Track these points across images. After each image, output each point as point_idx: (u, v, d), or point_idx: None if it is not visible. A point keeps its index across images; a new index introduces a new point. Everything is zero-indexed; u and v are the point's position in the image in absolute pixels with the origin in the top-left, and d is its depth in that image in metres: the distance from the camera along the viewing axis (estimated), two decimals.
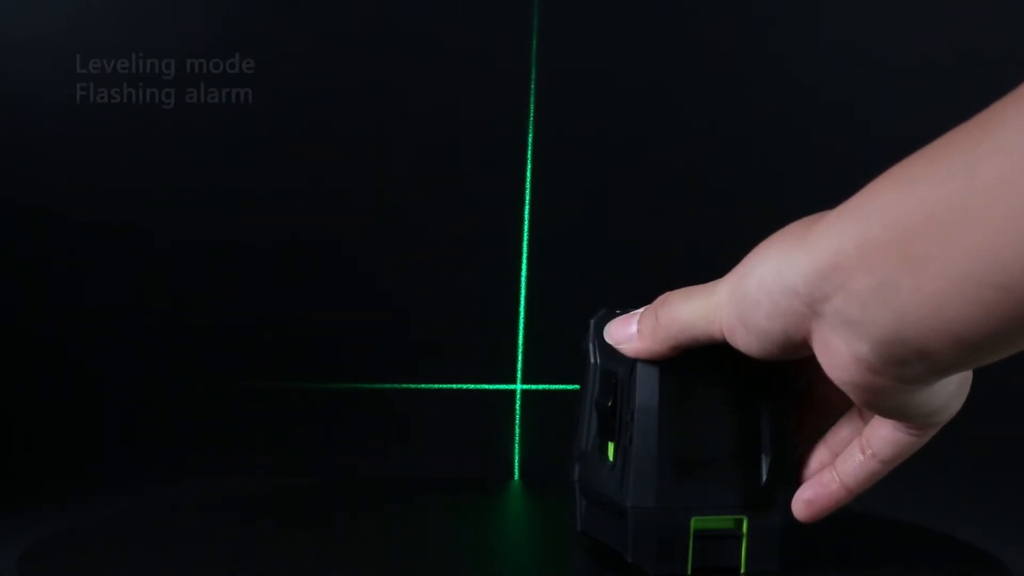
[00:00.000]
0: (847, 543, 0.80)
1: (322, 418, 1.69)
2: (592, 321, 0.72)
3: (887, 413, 0.64)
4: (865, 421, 0.70)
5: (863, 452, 0.69)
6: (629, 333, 0.68)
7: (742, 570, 0.69)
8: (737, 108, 1.68)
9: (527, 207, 1.66)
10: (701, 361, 0.68)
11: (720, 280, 0.65)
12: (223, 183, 1.72)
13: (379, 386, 1.69)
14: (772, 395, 0.69)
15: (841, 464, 0.70)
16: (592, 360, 0.72)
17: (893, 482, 1.60)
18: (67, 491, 1.59)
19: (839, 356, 0.60)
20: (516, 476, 1.49)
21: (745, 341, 0.64)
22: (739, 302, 0.63)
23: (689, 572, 0.68)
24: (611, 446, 0.70)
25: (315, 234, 1.72)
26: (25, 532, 1.31)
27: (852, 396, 0.62)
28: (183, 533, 0.80)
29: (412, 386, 1.69)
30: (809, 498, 0.70)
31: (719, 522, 0.68)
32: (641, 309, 0.69)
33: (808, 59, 1.69)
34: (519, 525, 0.82)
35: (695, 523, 0.68)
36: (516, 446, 1.56)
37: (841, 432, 0.71)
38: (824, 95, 1.68)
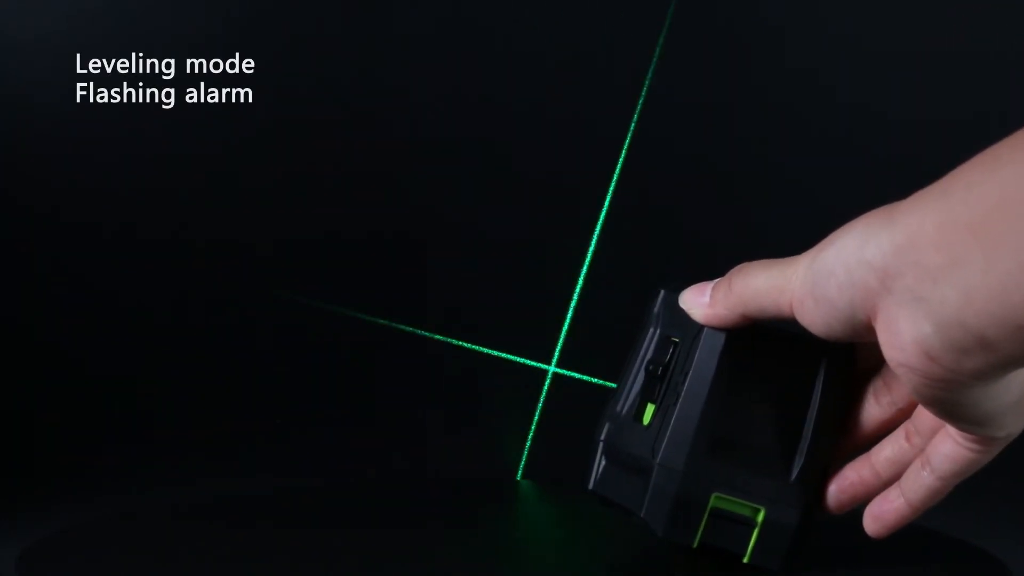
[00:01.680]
0: (848, 543, 0.80)
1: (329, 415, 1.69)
2: (663, 290, 0.73)
3: (940, 409, 0.63)
4: (921, 440, 0.70)
5: (924, 469, 0.69)
6: (702, 299, 0.69)
7: (745, 559, 0.69)
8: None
9: (608, 201, 1.66)
10: (765, 345, 0.68)
11: (802, 254, 0.66)
12: (223, 183, 1.72)
13: (415, 331, 1.69)
14: (823, 395, 0.70)
15: (905, 481, 0.70)
16: (653, 328, 0.72)
17: None
18: (67, 491, 1.59)
19: (901, 336, 0.60)
20: (522, 465, 1.49)
21: (811, 314, 0.64)
22: (815, 273, 0.63)
23: (695, 544, 0.68)
24: (650, 409, 0.70)
25: (314, 234, 1.72)
26: (25, 532, 1.31)
27: (907, 383, 0.62)
28: (183, 533, 0.80)
29: (454, 341, 1.69)
30: (876, 514, 0.71)
31: (738, 506, 0.69)
32: (712, 281, 0.69)
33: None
34: (522, 525, 0.82)
35: (714, 499, 0.68)
36: (532, 432, 1.56)
37: (884, 450, 0.71)
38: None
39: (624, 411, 0.72)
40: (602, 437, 0.73)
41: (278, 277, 1.72)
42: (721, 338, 0.68)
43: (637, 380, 0.72)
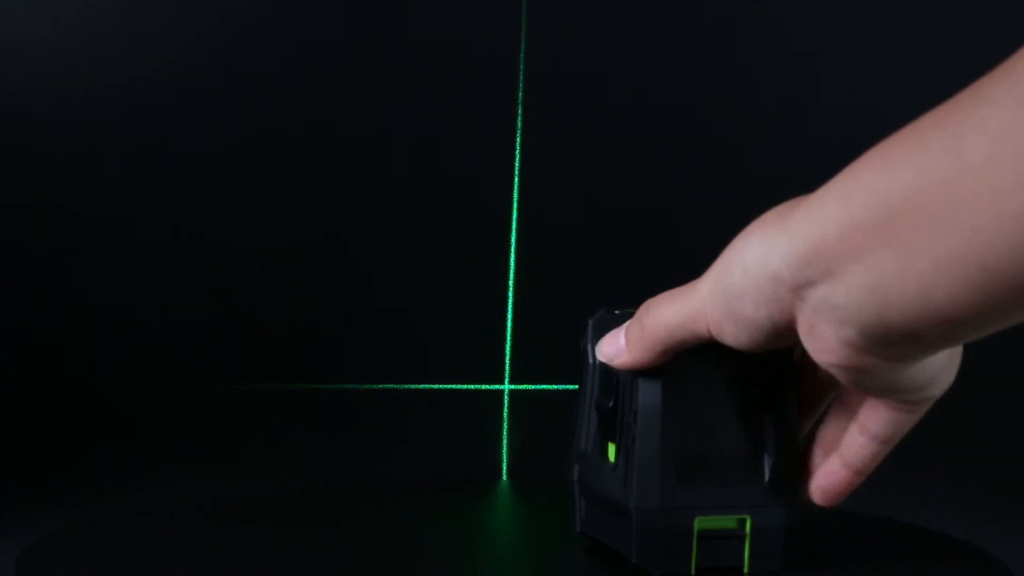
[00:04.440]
0: (847, 543, 0.80)
1: (312, 420, 1.69)
2: (591, 321, 0.72)
3: (877, 392, 0.64)
4: (854, 409, 0.69)
5: (862, 434, 0.69)
6: (619, 347, 0.68)
7: (745, 570, 0.69)
8: (734, 105, 1.68)
9: (515, 207, 1.66)
10: (701, 360, 0.68)
11: (700, 277, 0.65)
12: (222, 183, 1.72)
13: (370, 386, 1.69)
14: (772, 392, 0.69)
15: (844, 449, 0.70)
16: (591, 360, 0.72)
17: (893, 482, 1.60)
18: (67, 491, 1.59)
19: (826, 340, 0.60)
20: (504, 476, 1.49)
21: (733, 334, 0.63)
22: (724, 294, 0.63)
23: (693, 572, 0.68)
24: (612, 447, 0.70)
25: (307, 235, 1.72)
26: (24, 532, 1.31)
27: (841, 378, 0.62)
28: (182, 533, 0.80)
29: (402, 387, 1.69)
30: (822, 486, 0.70)
31: (722, 522, 0.68)
32: (622, 325, 0.69)
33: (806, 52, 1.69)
34: (513, 525, 0.82)
35: (699, 523, 0.68)
36: (504, 446, 1.56)
37: (830, 425, 0.71)
38: (821, 89, 1.68)
39: (589, 449, 0.72)
40: (575, 478, 0.73)
41: (273, 278, 1.72)
42: (658, 370, 0.67)
43: (592, 417, 0.72)
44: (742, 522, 0.69)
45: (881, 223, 0.56)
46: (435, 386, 1.68)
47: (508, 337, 1.61)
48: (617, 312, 0.71)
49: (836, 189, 0.58)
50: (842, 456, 0.70)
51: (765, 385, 0.69)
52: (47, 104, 1.72)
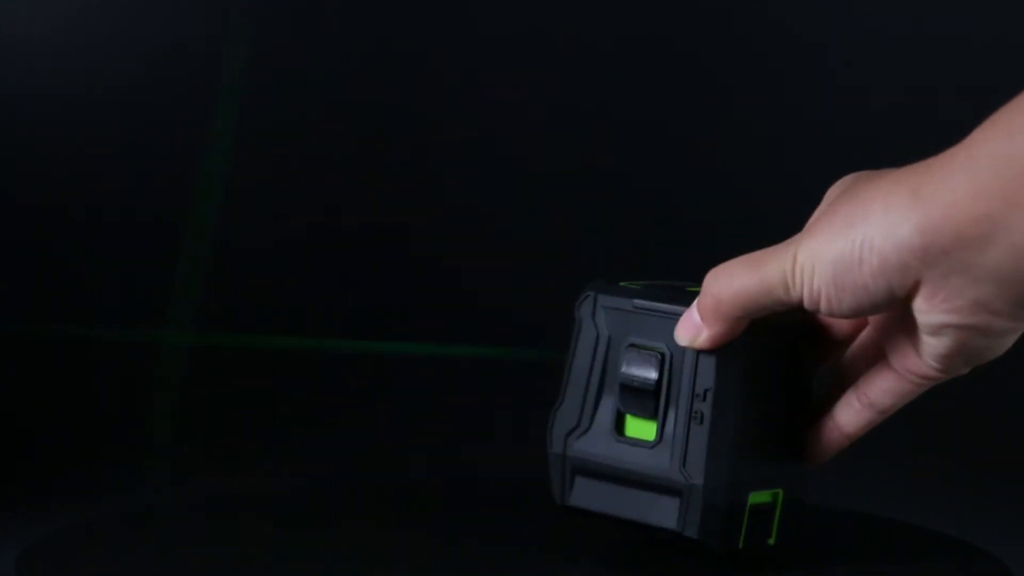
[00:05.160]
0: (847, 543, 0.80)
1: (313, 419, 1.69)
2: (592, 291, 0.71)
3: (962, 359, 0.65)
4: (851, 377, 0.70)
5: (860, 402, 0.69)
6: (696, 325, 0.67)
7: (771, 541, 0.70)
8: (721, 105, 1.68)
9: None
10: (758, 334, 0.68)
11: (783, 245, 0.65)
12: (229, 177, 1.72)
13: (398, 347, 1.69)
14: (805, 366, 0.70)
15: (841, 413, 0.70)
16: (593, 332, 0.71)
17: (893, 482, 1.60)
18: (67, 491, 1.59)
19: (957, 300, 0.62)
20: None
21: (836, 302, 0.63)
22: (835, 262, 0.63)
23: (741, 546, 0.69)
24: (638, 423, 0.69)
25: (308, 234, 1.72)
26: (25, 532, 1.31)
27: (947, 342, 0.63)
28: (183, 533, 0.80)
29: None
30: (817, 446, 0.71)
31: (764, 496, 0.69)
32: (691, 305, 0.68)
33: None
34: (517, 525, 0.82)
35: (752, 498, 0.69)
36: None
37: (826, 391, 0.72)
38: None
39: (588, 423, 0.71)
40: (564, 452, 0.71)
41: (275, 277, 1.72)
42: (730, 348, 0.67)
43: (591, 389, 0.71)
44: (775, 495, 0.69)
45: (1007, 187, 0.58)
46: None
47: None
48: (623, 284, 0.71)
49: (960, 158, 0.60)
50: (838, 421, 0.70)
51: (799, 359, 0.70)
52: (47, 104, 1.72)
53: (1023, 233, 0.59)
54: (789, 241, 0.65)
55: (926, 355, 0.65)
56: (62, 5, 1.70)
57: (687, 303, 0.68)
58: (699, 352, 0.68)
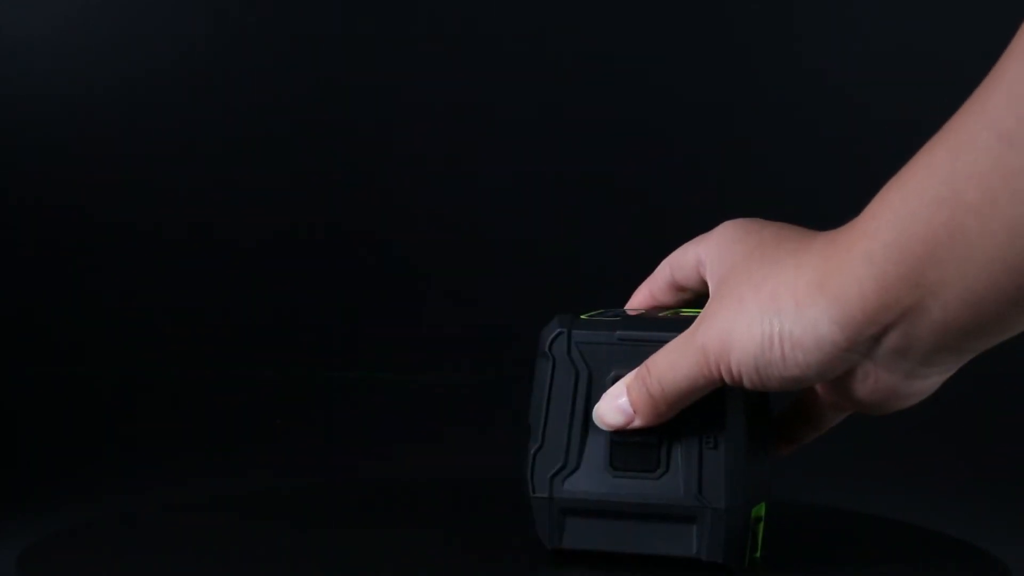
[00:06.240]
0: (847, 543, 0.80)
1: (312, 419, 1.69)
2: (563, 328, 0.70)
3: (892, 406, 0.65)
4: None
5: (832, 410, 0.71)
6: (626, 413, 0.68)
7: (756, 553, 0.70)
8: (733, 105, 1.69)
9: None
10: None
11: (685, 339, 0.66)
12: (223, 180, 1.72)
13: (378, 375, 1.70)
14: None
15: (813, 418, 0.71)
16: (575, 368, 0.69)
17: (893, 482, 1.60)
18: (67, 491, 1.59)
19: (889, 375, 0.63)
20: None
21: (761, 385, 0.65)
22: (756, 358, 0.64)
23: (746, 563, 0.69)
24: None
25: (307, 234, 1.73)
26: (25, 532, 1.31)
27: (872, 401, 0.65)
28: (183, 533, 0.80)
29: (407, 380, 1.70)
30: (791, 441, 0.73)
31: (760, 510, 0.70)
32: (617, 386, 0.68)
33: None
34: (518, 525, 0.82)
35: (754, 512, 0.69)
36: None
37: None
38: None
39: (576, 462, 0.70)
40: (551, 494, 0.70)
41: (275, 277, 1.72)
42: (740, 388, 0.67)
43: (574, 427, 0.70)
44: (759, 508, 0.70)
45: (910, 274, 0.60)
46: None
47: None
48: (584, 316, 0.70)
49: (859, 246, 0.61)
50: (809, 421, 0.72)
51: None
52: (47, 104, 1.72)
53: (939, 311, 0.59)
54: (690, 334, 0.66)
55: (864, 407, 0.66)
56: (62, 5, 1.70)
57: (670, 328, 0.68)
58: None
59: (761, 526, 0.70)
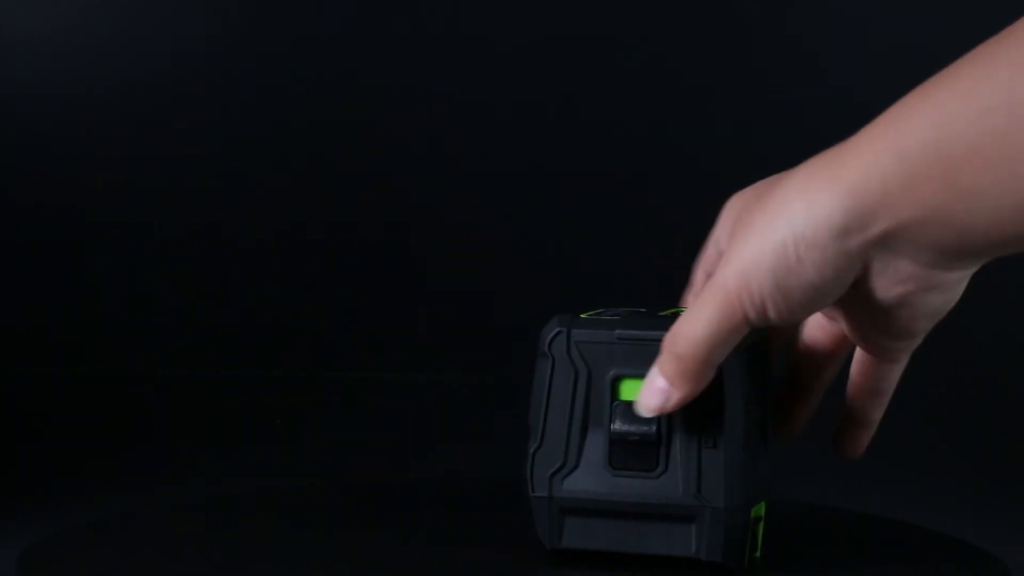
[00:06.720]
0: (848, 543, 0.80)
1: (314, 419, 1.69)
2: (562, 327, 0.70)
3: (928, 320, 0.65)
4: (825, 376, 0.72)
5: (866, 395, 0.70)
6: (664, 390, 0.66)
7: (756, 553, 0.70)
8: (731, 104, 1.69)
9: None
10: (748, 353, 0.68)
11: (710, 284, 0.64)
12: (222, 180, 1.72)
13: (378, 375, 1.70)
14: (764, 380, 0.70)
15: (856, 413, 0.71)
16: (574, 368, 0.70)
17: (894, 482, 1.60)
18: (67, 491, 1.59)
19: (903, 271, 0.62)
20: None
21: (787, 309, 0.63)
22: (773, 269, 0.62)
23: (746, 563, 0.69)
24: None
25: (308, 233, 1.72)
26: (25, 532, 1.31)
27: (908, 310, 0.63)
28: (183, 533, 0.80)
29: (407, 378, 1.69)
30: (859, 445, 0.72)
31: (760, 509, 0.70)
32: (651, 370, 0.66)
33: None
34: (517, 525, 0.82)
35: (753, 512, 0.69)
36: None
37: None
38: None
39: (575, 461, 0.70)
40: (550, 493, 0.70)
41: (274, 277, 1.72)
42: (744, 378, 0.67)
43: (574, 426, 0.70)
44: (759, 507, 0.70)
45: (944, 175, 0.58)
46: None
47: None
48: (584, 316, 0.70)
49: (888, 141, 0.60)
50: (854, 418, 0.71)
51: (762, 375, 0.70)
52: (47, 104, 1.72)
53: (967, 215, 0.59)
54: (714, 278, 0.64)
55: (891, 328, 0.65)
56: (62, 5, 1.70)
57: (668, 327, 0.67)
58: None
59: (761, 526, 0.70)
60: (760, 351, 0.69)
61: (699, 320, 0.64)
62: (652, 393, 0.67)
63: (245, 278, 1.74)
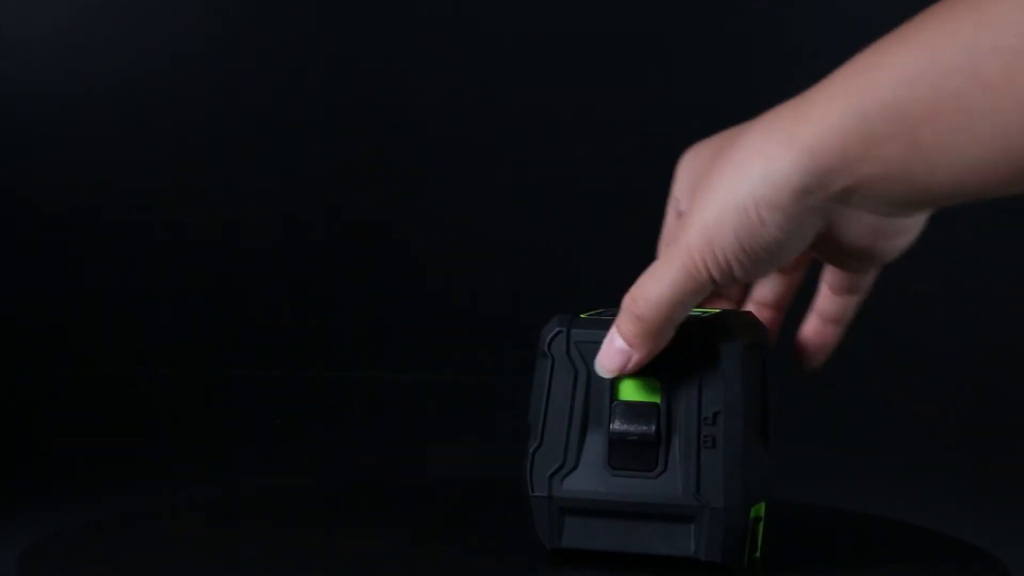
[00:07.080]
0: (848, 543, 0.80)
1: (313, 418, 1.69)
2: (562, 327, 0.70)
3: (885, 256, 0.65)
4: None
5: (834, 292, 0.71)
6: (623, 351, 0.66)
7: (756, 553, 0.70)
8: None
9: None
10: (746, 351, 0.68)
11: (672, 244, 0.64)
12: (223, 180, 1.72)
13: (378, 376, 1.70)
14: (764, 375, 0.70)
15: (821, 307, 0.72)
16: (574, 367, 0.69)
17: (893, 482, 1.60)
18: (67, 491, 1.59)
19: (864, 224, 0.62)
20: None
21: (752, 268, 0.63)
22: (734, 229, 0.62)
23: (746, 563, 0.69)
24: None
25: (308, 233, 1.72)
26: (25, 532, 1.31)
27: (863, 251, 0.64)
28: (183, 533, 0.80)
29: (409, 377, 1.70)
30: (817, 344, 0.72)
31: (760, 509, 0.69)
32: (610, 331, 0.66)
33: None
34: (517, 525, 0.82)
35: (753, 512, 0.69)
36: None
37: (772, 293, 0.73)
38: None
39: (575, 460, 0.70)
40: (550, 493, 0.70)
41: (274, 277, 1.72)
42: (743, 376, 0.67)
43: (573, 426, 0.69)
44: (759, 508, 0.69)
45: (904, 134, 0.58)
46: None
47: None
48: (583, 316, 0.70)
49: (847, 99, 0.60)
50: (821, 313, 0.71)
51: (762, 375, 0.70)
52: (47, 104, 1.72)
53: (924, 174, 0.58)
54: (676, 241, 0.64)
55: (860, 260, 0.65)
56: (62, 5, 1.70)
57: None
58: (702, 377, 0.67)
59: (761, 526, 0.70)
60: (760, 351, 0.69)
61: (661, 282, 0.64)
62: (612, 354, 0.66)
63: (245, 278, 1.74)
